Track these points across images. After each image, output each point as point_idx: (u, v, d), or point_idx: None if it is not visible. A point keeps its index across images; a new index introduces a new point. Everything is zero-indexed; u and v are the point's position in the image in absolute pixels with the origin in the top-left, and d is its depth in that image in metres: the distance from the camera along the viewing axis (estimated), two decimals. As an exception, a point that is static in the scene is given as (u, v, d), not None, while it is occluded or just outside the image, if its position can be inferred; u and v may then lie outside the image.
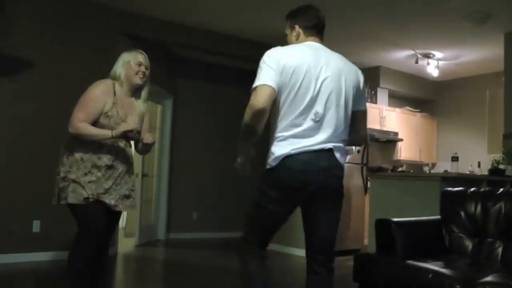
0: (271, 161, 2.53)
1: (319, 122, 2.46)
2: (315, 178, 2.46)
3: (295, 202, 2.60)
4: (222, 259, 6.13)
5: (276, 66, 2.45)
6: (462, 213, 3.63)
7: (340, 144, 2.54)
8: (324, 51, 2.59)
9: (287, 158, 2.45)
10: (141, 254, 6.23)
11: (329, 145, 2.46)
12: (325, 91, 2.47)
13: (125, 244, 6.65)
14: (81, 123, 2.95)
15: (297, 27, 2.69)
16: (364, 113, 2.79)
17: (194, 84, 7.93)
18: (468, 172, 6.72)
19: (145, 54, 3.25)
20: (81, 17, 5.69)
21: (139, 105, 3.26)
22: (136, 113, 3.22)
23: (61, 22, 5.58)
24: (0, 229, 5.07)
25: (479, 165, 7.19)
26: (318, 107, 2.45)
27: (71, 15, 5.65)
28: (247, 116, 2.45)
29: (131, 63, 3.17)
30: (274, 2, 5.54)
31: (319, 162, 2.45)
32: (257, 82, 2.45)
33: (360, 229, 6.74)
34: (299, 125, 2.45)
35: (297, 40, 2.69)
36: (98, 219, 2.98)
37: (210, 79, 8.13)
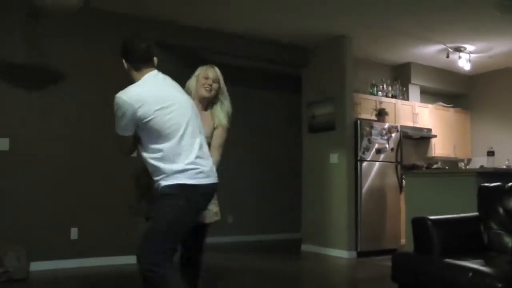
0: None
1: None
2: None
3: None
4: (260, 262, 6.10)
5: None
6: (501, 209, 3.54)
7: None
8: None
9: None
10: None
11: None
12: None
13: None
14: None
15: None
16: None
17: (232, 88, 7.90)
18: (504, 167, 6.57)
19: (215, 68, 3.35)
20: (111, 30, 5.77)
21: (213, 117, 3.32)
22: (208, 125, 3.23)
23: (91, 35, 5.69)
24: (39, 237, 5.19)
25: (516, 159, 7.03)
26: None
27: (101, 28, 5.75)
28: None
29: (200, 76, 3.30)
30: (304, 2, 5.53)
31: None
32: None
33: (396, 228, 6.66)
34: None
35: None
36: None
37: (242, 82, 8.17)
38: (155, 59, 2.88)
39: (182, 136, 2.64)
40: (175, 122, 2.64)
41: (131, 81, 2.77)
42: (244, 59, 7.38)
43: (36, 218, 5.23)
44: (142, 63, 2.80)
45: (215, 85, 3.32)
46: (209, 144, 3.13)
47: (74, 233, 5.41)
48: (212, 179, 2.74)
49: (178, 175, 2.60)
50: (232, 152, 8.44)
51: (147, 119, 2.58)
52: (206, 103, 3.34)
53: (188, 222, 2.73)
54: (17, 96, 5.25)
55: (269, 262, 6.12)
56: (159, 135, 2.61)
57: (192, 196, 2.63)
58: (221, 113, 3.36)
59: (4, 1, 5.17)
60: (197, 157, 2.67)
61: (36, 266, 5.11)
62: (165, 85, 2.79)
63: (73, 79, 5.54)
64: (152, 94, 2.64)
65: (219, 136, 3.33)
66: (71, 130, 5.48)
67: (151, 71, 2.80)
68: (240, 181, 7.96)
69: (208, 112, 3.35)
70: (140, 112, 2.56)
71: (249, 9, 5.81)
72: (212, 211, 3.23)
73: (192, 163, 2.63)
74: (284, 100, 8.67)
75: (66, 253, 5.35)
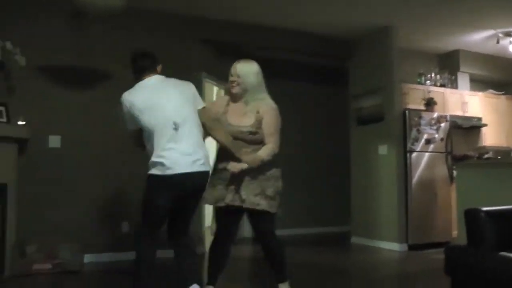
0: None
1: None
2: None
3: None
4: (310, 255, 6.11)
5: None
6: (559, 200, 3.42)
7: None
8: None
9: None
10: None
11: None
12: None
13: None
14: None
15: None
16: None
17: (276, 83, 7.92)
18: (561, 155, 6.34)
19: (239, 63, 3.55)
20: (154, 29, 5.90)
21: (249, 108, 3.53)
22: (249, 116, 3.50)
23: (135, 34, 5.79)
24: (92, 230, 5.40)
25: None
26: None
27: (145, 27, 5.87)
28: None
29: (230, 73, 3.54)
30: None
31: None
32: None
33: (447, 220, 6.53)
34: None
35: None
36: None
37: (289, 77, 8.17)
38: (159, 67, 3.58)
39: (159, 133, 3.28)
40: (156, 123, 3.26)
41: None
42: (288, 53, 7.36)
43: (89, 212, 5.43)
44: (139, 74, 3.47)
45: (239, 80, 3.51)
46: (253, 133, 3.46)
47: (125, 226, 5.56)
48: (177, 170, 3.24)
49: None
50: (283, 147, 8.45)
51: (138, 118, 3.29)
52: (237, 98, 3.56)
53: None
54: (66, 96, 5.46)
55: (319, 255, 6.11)
56: (148, 133, 3.31)
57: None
58: (256, 102, 3.53)
59: (49, 5, 5.35)
60: (165, 150, 3.24)
61: (90, 259, 5.32)
62: (152, 90, 3.38)
63: (119, 79, 5.65)
64: (138, 98, 3.32)
65: (267, 123, 3.50)
66: (119, 127, 5.60)
67: (147, 78, 3.45)
68: (288, 175, 7.90)
69: (240, 104, 3.55)
70: (131, 112, 3.30)
71: (292, 2, 5.79)
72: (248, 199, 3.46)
73: (159, 156, 3.24)
74: (329, 93, 8.60)
75: (118, 246, 5.51)
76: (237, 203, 3.46)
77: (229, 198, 3.47)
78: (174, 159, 3.24)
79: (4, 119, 4.87)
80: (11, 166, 4.90)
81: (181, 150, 3.26)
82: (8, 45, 4.73)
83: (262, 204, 3.49)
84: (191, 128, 3.35)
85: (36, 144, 5.23)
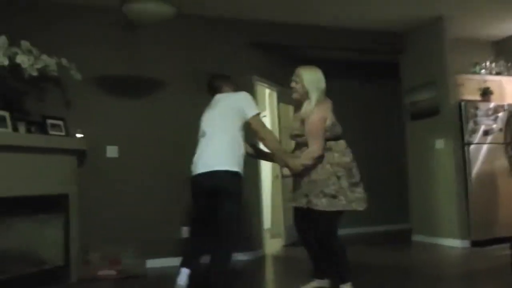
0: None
1: None
2: None
3: None
4: (371, 254, 6.07)
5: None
6: None
7: None
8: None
9: None
10: (290, 254, 6.34)
11: None
12: None
13: (272, 245, 6.85)
14: None
15: None
16: None
17: (326, 82, 7.86)
18: None
19: (296, 70, 3.93)
20: (203, 35, 5.99)
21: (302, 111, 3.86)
22: (298, 119, 3.89)
23: (184, 42, 5.90)
24: (153, 236, 5.49)
25: None
26: None
27: (193, 34, 5.94)
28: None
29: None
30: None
31: None
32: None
33: (510, 215, 6.29)
34: None
35: None
36: None
37: (340, 75, 8.10)
38: (228, 86, 4.07)
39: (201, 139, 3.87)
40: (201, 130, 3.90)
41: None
42: (338, 52, 7.30)
43: (150, 218, 5.53)
44: (211, 93, 4.07)
45: (297, 86, 3.86)
46: (299, 136, 3.83)
47: (185, 231, 5.64)
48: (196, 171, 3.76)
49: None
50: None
51: None
52: (300, 104, 3.90)
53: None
54: (121, 107, 5.59)
55: (380, 254, 6.03)
56: None
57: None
58: (304, 108, 3.83)
59: (101, 18, 5.49)
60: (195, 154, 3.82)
61: (152, 264, 5.42)
62: (209, 107, 3.97)
63: (171, 86, 5.76)
64: (203, 114, 3.98)
65: (306, 127, 3.75)
66: (174, 135, 5.71)
67: (216, 96, 4.00)
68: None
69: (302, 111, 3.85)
70: None
71: (342, 1, 5.78)
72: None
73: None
74: (381, 90, 8.47)
75: (179, 251, 5.58)
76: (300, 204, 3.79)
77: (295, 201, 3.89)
78: (195, 162, 3.78)
79: (63, 133, 5.03)
80: (72, 177, 5.06)
81: (202, 155, 3.76)
82: (64, 61, 4.87)
83: (319, 203, 3.64)
84: (220, 135, 3.74)
85: (95, 155, 5.38)
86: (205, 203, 3.77)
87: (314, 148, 3.65)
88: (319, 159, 3.66)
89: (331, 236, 3.73)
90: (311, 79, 3.82)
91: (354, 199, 3.68)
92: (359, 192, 3.73)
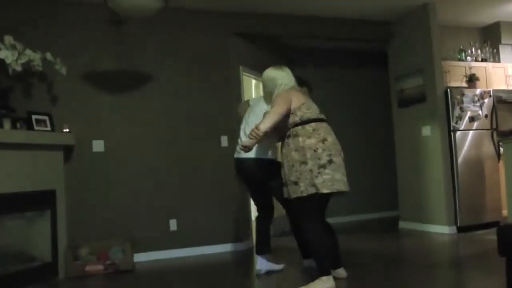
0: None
1: None
2: None
3: None
4: (360, 241, 6.07)
5: None
6: None
7: None
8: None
9: None
10: (279, 244, 6.23)
11: None
12: None
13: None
14: None
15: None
16: None
17: (314, 71, 7.88)
18: None
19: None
20: (190, 28, 5.95)
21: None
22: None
23: (173, 35, 5.88)
24: (141, 229, 5.53)
25: None
26: None
27: (182, 27, 5.92)
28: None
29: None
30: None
31: None
32: None
33: (496, 200, 6.35)
34: None
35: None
36: None
37: (327, 64, 8.15)
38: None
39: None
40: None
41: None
42: (324, 41, 7.29)
43: (137, 213, 5.54)
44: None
45: (265, 91, 4.29)
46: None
47: (173, 224, 5.64)
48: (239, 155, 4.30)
49: None
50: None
51: None
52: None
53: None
54: (107, 102, 5.56)
55: (368, 242, 6.06)
56: None
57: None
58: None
59: (87, 13, 5.45)
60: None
61: (139, 258, 5.43)
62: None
63: (158, 80, 5.73)
64: None
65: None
66: (160, 129, 5.69)
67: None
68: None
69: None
70: None
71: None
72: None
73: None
74: (368, 77, 8.49)
75: (167, 244, 5.64)
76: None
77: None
78: (237, 149, 4.33)
79: (49, 128, 4.99)
80: (58, 173, 5.04)
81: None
82: (49, 55, 4.84)
83: (285, 192, 3.93)
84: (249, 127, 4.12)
85: (81, 149, 5.36)
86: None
87: (271, 109, 3.70)
88: (278, 131, 3.91)
89: (304, 223, 3.72)
90: (267, 79, 4.10)
91: (317, 182, 3.60)
92: (327, 173, 3.62)
